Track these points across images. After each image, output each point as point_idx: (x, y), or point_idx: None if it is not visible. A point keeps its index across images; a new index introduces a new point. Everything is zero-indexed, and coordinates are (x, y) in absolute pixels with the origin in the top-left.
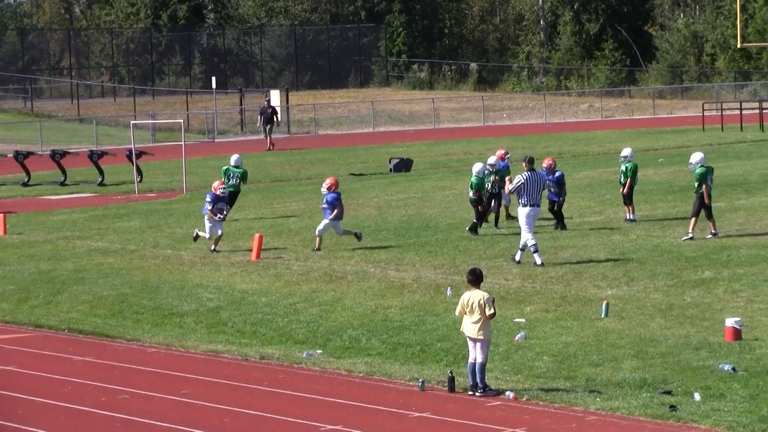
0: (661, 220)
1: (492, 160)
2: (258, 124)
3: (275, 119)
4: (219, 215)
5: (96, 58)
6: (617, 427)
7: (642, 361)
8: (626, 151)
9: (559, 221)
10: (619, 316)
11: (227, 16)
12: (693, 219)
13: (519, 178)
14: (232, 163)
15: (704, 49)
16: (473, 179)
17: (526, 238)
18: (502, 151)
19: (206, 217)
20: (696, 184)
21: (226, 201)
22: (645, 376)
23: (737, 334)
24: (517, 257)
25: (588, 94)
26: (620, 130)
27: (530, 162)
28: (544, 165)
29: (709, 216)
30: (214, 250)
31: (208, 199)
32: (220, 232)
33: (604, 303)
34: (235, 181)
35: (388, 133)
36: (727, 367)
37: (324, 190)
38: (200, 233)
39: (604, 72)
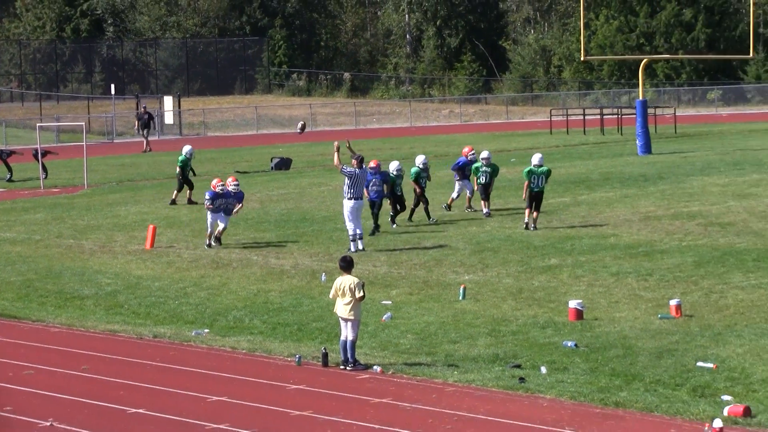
0: (512, 214)
1: (485, 154)
2: (135, 128)
3: (152, 124)
4: (221, 211)
5: (5, 67)
6: (473, 398)
7: (495, 338)
8: (485, 153)
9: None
10: (475, 298)
11: (125, 30)
12: (528, 210)
13: (350, 170)
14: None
15: (552, 61)
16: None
17: (350, 227)
18: (467, 149)
19: (209, 212)
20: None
21: (230, 196)
22: (497, 351)
23: (579, 314)
24: (359, 246)
25: (449, 101)
26: (477, 133)
27: (360, 161)
28: (372, 164)
29: (537, 208)
30: (209, 245)
31: (207, 196)
32: (222, 225)
33: (462, 287)
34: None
35: (270, 135)
36: (570, 343)
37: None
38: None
39: (463, 81)
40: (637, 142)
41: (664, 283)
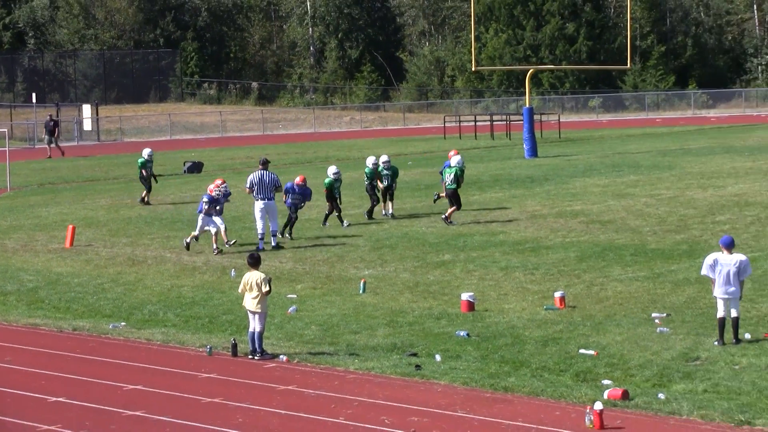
0: (409, 214)
1: (384, 158)
2: (44, 135)
3: (57, 131)
4: (212, 214)
5: None
6: (372, 384)
7: (393, 329)
8: (384, 157)
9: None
10: (375, 292)
11: (46, 42)
12: (453, 209)
13: (251, 177)
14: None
15: (445, 71)
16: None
17: (258, 226)
18: (453, 152)
19: (200, 216)
20: (450, 180)
21: (225, 200)
22: (395, 341)
23: (471, 306)
24: (272, 242)
25: (350, 109)
26: (376, 139)
27: (264, 163)
28: (298, 180)
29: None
30: (218, 249)
31: (204, 199)
32: (214, 228)
33: (362, 281)
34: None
35: (183, 141)
36: (462, 333)
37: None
38: (193, 235)
39: (363, 90)
40: (525, 146)
41: (549, 277)
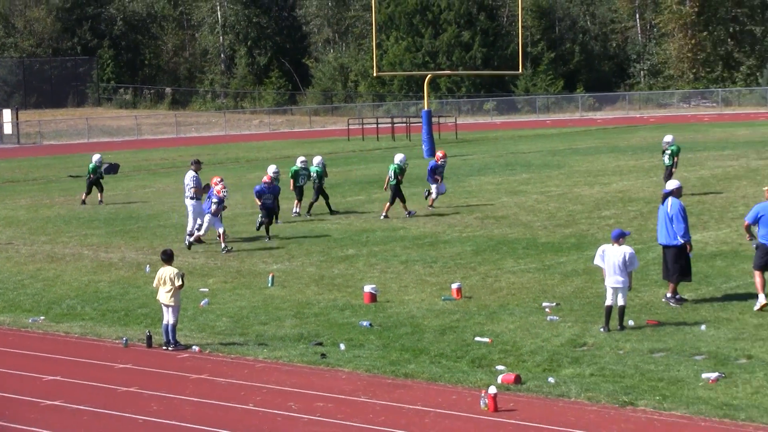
0: (316, 212)
1: (399, 159)
2: None
3: None
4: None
5: None
6: (280, 372)
7: (300, 320)
8: (317, 159)
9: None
10: (282, 285)
11: None
12: (388, 204)
13: (191, 176)
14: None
15: (349, 77)
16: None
17: (189, 224)
18: (440, 153)
19: (207, 216)
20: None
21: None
22: (302, 331)
23: (373, 297)
24: (190, 240)
25: (259, 112)
26: (284, 140)
27: (197, 163)
28: (265, 179)
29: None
30: (226, 248)
31: (214, 200)
32: (221, 228)
33: (270, 275)
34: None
35: (100, 143)
36: (365, 323)
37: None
38: (198, 236)
39: (271, 95)
40: (423, 147)
41: (447, 269)
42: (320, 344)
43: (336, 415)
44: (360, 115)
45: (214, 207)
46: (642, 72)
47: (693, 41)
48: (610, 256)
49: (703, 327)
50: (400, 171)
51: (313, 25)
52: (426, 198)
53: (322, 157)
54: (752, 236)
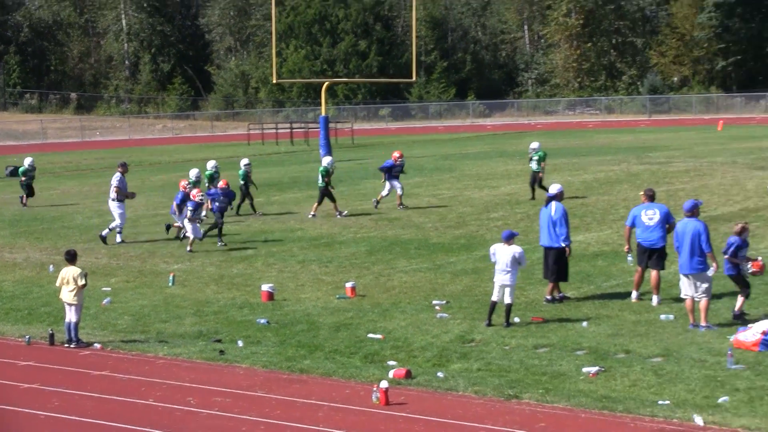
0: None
1: (327, 162)
2: None
3: None
4: (198, 220)
5: None
6: (180, 368)
7: (200, 318)
8: (245, 161)
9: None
10: (183, 284)
11: None
12: (316, 204)
13: (116, 177)
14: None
15: (250, 83)
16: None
17: (118, 221)
18: (398, 153)
19: (186, 221)
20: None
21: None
22: (201, 329)
23: (271, 296)
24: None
25: (162, 117)
26: (187, 145)
27: (123, 166)
28: (222, 184)
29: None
30: (190, 250)
31: (190, 207)
32: (195, 235)
33: (171, 275)
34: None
35: (6, 147)
36: (262, 320)
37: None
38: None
39: (174, 100)
40: (321, 151)
41: (342, 269)
42: (219, 341)
43: (233, 410)
44: (260, 120)
45: (189, 213)
46: (530, 80)
47: (578, 52)
48: (501, 255)
49: (584, 324)
50: (326, 173)
51: (216, 34)
52: (376, 207)
53: (248, 159)
54: (630, 248)
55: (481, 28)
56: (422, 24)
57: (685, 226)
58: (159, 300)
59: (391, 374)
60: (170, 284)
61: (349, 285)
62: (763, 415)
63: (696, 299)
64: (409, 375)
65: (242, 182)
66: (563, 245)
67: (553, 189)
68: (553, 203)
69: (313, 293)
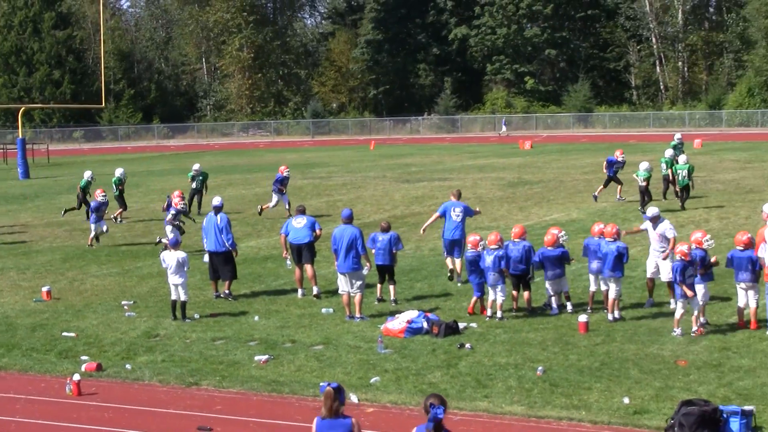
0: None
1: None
2: None
3: None
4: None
5: None
6: None
7: None
8: (119, 171)
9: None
10: None
11: None
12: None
13: None
14: None
15: None
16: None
17: None
18: (284, 167)
19: (94, 218)
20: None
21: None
22: None
23: None
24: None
25: None
26: None
27: None
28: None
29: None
30: (91, 245)
31: (172, 212)
32: (104, 228)
33: None
34: None
35: None
36: None
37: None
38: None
39: None
40: (19, 170)
41: (38, 275)
42: None
43: None
44: None
45: (169, 216)
46: (208, 106)
47: (250, 81)
48: (169, 260)
49: (256, 318)
50: (119, 182)
51: None
52: (260, 213)
53: (122, 169)
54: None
55: (164, 60)
56: (111, 56)
57: (343, 231)
58: None
59: (83, 368)
60: None
61: (45, 289)
62: (408, 392)
63: (352, 294)
64: (99, 368)
65: (116, 191)
66: (230, 249)
67: (216, 201)
68: (220, 214)
69: (11, 297)
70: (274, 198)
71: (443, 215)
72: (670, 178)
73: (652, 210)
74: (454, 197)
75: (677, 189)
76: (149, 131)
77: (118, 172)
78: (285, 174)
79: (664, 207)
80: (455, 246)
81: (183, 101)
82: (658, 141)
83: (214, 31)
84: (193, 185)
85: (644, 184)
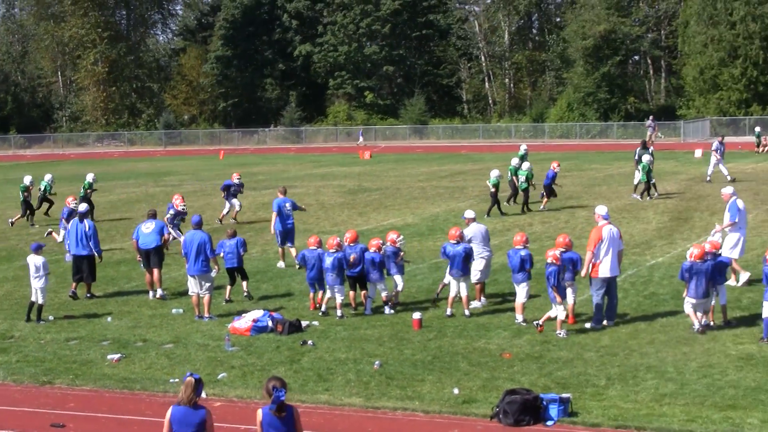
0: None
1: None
2: None
3: None
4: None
5: None
6: None
7: None
8: (90, 176)
9: None
10: None
11: None
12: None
13: None
14: None
15: None
16: None
17: None
18: (237, 174)
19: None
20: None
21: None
22: None
23: None
24: None
25: None
26: None
27: None
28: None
29: None
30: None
31: (171, 212)
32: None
33: None
34: None
35: None
36: None
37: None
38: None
39: None
40: None
41: None
42: None
43: None
44: None
45: (168, 216)
46: (64, 117)
47: (105, 94)
48: (32, 264)
49: (109, 318)
50: (89, 186)
51: None
52: (221, 221)
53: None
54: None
55: (20, 73)
56: None
57: (193, 236)
58: None
59: None
60: None
61: None
62: (253, 387)
63: (201, 295)
64: None
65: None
66: (95, 253)
67: (82, 208)
68: (86, 220)
69: None
70: (227, 205)
71: (278, 211)
72: (516, 183)
73: (469, 213)
74: (281, 194)
75: (521, 192)
76: (5, 141)
77: (47, 177)
78: (236, 180)
79: (513, 211)
80: (288, 235)
81: (39, 113)
82: (487, 151)
83: (69, 45)
84: (40, 193)
85: (493, 190)
